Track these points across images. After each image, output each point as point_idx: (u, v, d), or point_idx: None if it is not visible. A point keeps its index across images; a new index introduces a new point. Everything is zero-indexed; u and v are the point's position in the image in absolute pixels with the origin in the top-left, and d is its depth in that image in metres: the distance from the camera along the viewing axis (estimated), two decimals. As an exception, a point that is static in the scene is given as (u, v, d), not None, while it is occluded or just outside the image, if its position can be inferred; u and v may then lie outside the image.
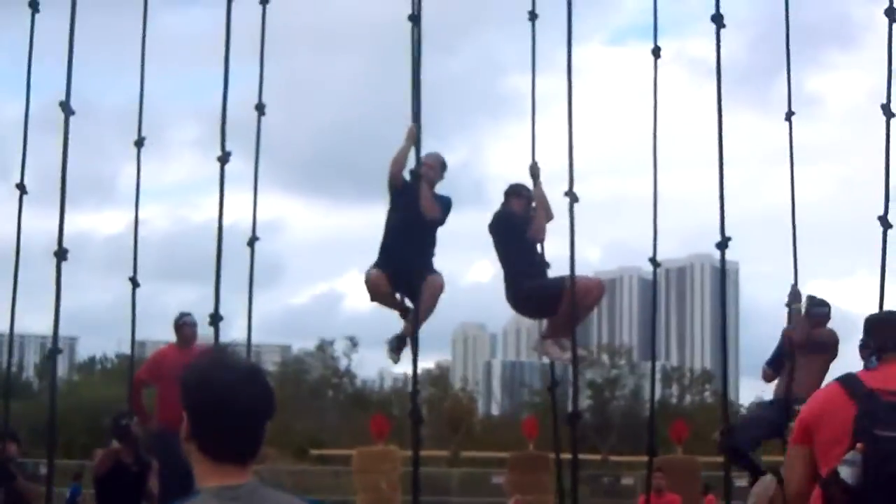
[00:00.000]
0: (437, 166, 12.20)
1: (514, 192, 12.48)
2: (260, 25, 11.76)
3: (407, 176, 11.83)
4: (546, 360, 12.64)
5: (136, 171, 12.15)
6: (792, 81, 12.31)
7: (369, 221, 11.89)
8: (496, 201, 12.57)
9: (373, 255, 11.99)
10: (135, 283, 12.10)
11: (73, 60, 10.90)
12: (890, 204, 11.17)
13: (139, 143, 12.27)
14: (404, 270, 11.63)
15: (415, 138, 11.46)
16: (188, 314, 13.80)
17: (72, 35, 10.73)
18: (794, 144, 12.41)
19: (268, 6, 11.64)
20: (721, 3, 11.10)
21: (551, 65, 12.97)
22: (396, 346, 12.03)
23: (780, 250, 12.54)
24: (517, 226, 12.20)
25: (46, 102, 11.84)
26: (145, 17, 12.26)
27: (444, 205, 12.06)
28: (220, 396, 3.75)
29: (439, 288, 11.80)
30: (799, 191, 12.47)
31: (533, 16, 12.80)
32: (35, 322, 22.16)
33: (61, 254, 10.81)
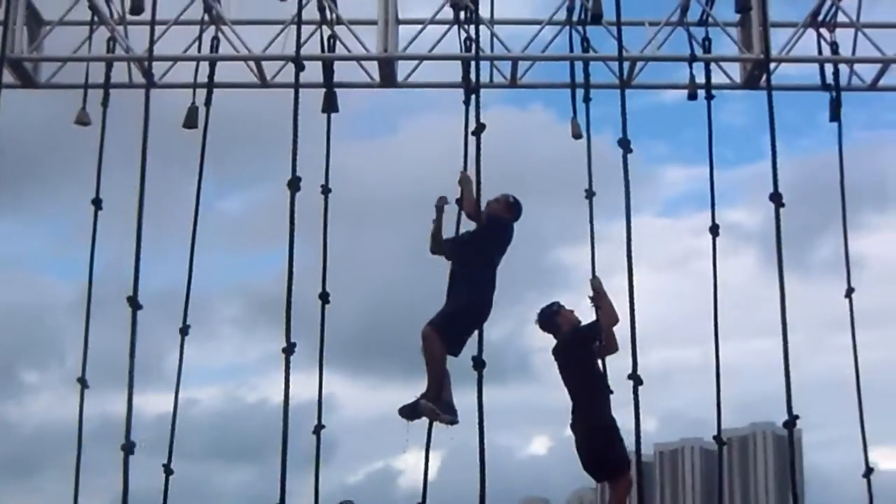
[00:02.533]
0: (503, 200, 12.21)
1: (557, 313, 12.41)
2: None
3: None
4: None
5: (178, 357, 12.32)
6: (831, 245, 12.43)
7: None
8: (543, 375, 12.56)
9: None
10: (168, 470, 12.19)
11: (141, 257, 11.16)
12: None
13: (184, 330, 12.46)
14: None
15: (470, 183, 11.68)
16: None
17: (139, 236, 10.96)
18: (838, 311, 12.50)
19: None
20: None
21: (600, 237, 13.22)
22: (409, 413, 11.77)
23: (843, 415, 12.52)
24: (593, 338, 12.13)
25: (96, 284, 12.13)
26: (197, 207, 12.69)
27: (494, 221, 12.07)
28: None
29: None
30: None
31: (590, 193, 13.30)
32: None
33: (128, 448, 10.98)
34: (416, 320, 11.73)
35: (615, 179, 12.28)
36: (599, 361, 12.23)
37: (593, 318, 12.18)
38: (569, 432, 11.98)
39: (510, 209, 12.27)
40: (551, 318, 12.39)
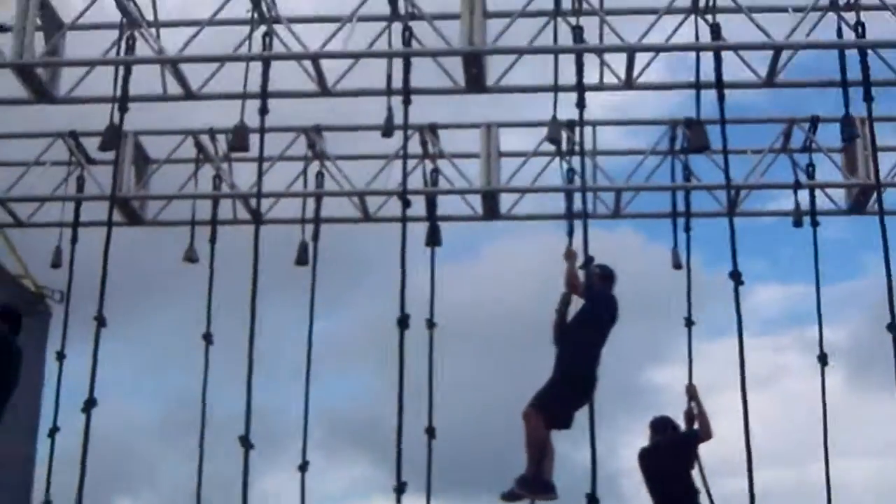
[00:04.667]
0: (597, 274, 11.88)
1: (672, 424, 12.36)
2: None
3: None
4: None
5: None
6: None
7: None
8: (631, 496, 12.36)
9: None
10: None
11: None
12: None
13: (303, 467, 12.34)
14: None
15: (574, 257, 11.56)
16: None
17: (250, 376, 10.97)
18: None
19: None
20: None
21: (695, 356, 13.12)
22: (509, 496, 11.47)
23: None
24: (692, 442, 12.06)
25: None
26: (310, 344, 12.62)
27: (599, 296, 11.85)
28: None
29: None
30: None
31: (689, 322, 13.45)
32: None
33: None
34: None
35: (712, 301, 12.19)
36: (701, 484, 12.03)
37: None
38: None
39: (603, 279, 12.06)
40: (666, 425, 12.35)
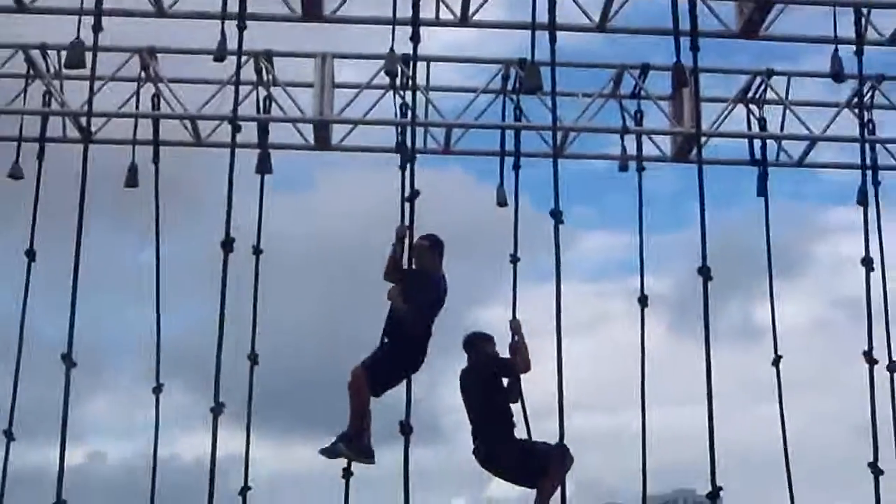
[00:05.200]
0: (417, 248, 11.80)
1: (484, 338, 12.48)
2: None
3: None
4: None
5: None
6: (739, 312, 12.55)
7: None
8: (452, 436, 12.49)
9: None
10: None
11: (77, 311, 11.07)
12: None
13: (157, 389, 12.20)
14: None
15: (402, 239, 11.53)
16: None
17: (74, 292, 10.89)
18: (756, 380, 12.62)
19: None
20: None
21: (522, 300, 13.29)
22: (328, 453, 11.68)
23: (762, 485, 12.67)
24: (505, 369, 12.19)
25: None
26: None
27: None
28: None
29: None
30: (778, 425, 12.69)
31: (515, 258, 13.55)
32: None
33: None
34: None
35: (537, 244, 12.37)
36: (521, 412, 12.27)
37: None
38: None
39: (432, 249, 11.97)
40: (476, 341, 12.50)
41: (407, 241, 11.43)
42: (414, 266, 11.63)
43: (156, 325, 14.15)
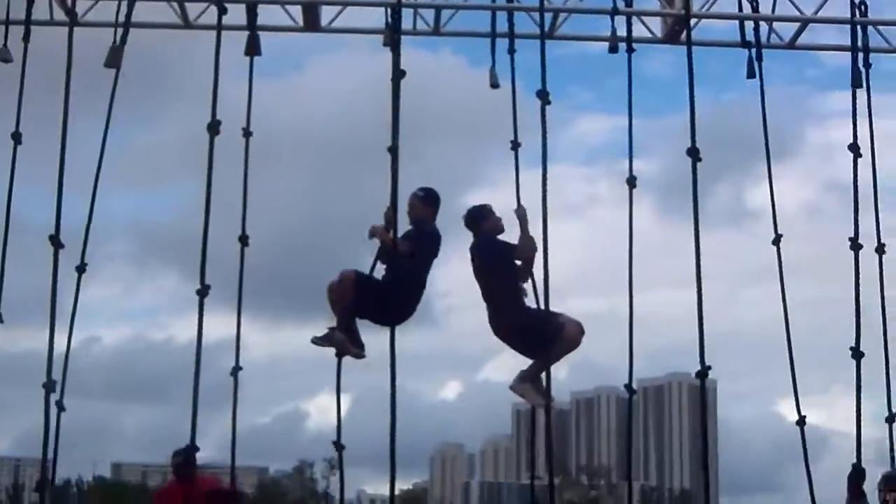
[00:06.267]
0: (411, 200, 12.10)
1: (482, 214, 12.45)
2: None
3: None
4: (521, 400, 12.35)
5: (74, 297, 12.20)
6: (730, 195, 12.56)
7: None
8: (444, 321, 12.58)
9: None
10: (60, 406, 11.94)
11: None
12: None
13: (80, 268, 12.14)
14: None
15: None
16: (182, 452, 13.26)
17: (61, 175, 10.92)
18: (754, 263, 12.68)
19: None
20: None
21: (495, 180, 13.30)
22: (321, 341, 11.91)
23: (753, 367, 12.81)
24: (509, 251, 12.20)
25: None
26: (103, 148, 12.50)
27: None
28: None
29: None
30: (768, 308, 12.77)
31: (516, 144, 13.07)
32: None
33: (50, 386, 10.99)
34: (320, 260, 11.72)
35: (531, 128, 12.35)
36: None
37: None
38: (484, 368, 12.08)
39: (426, 203, 12.26)
40: (479, 216, 12.46)
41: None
42: (408, 216, 11.76)
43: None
